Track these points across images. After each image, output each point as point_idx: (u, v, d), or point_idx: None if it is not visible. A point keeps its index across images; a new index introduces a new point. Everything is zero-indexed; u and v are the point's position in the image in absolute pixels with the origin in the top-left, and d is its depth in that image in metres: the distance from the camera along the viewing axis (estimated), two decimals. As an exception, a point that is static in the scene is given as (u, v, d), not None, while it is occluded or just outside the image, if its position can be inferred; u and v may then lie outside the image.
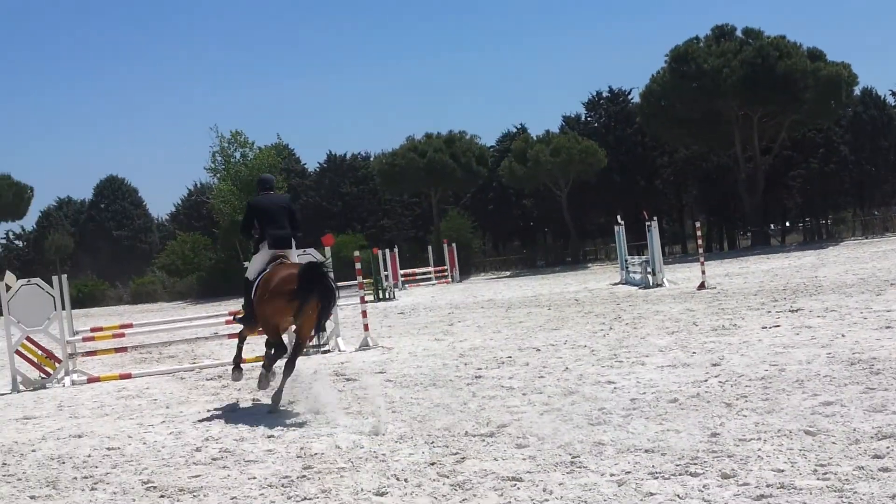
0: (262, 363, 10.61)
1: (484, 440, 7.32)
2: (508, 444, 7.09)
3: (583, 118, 65.21)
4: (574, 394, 9.02)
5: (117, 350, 16.25)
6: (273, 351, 10.25)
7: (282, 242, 10.52)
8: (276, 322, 10.11)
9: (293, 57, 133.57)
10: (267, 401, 10.15)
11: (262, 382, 10.34)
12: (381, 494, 6.00)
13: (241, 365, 11.21)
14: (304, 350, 11.52)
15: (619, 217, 29.96)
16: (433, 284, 43.22)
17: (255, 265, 10.67)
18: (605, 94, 65.27)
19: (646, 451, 6.49)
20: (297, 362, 10.03)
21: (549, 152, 53.47)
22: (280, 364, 10.14)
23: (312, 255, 15.51)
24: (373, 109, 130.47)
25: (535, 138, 57.65)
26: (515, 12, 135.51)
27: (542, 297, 25.35)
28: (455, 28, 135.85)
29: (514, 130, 66.60)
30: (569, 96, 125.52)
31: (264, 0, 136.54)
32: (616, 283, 28.60)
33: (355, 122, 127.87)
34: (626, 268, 28.62)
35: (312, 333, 10.09)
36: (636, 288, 24.99)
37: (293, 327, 10.40)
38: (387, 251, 38.08)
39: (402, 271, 41.07)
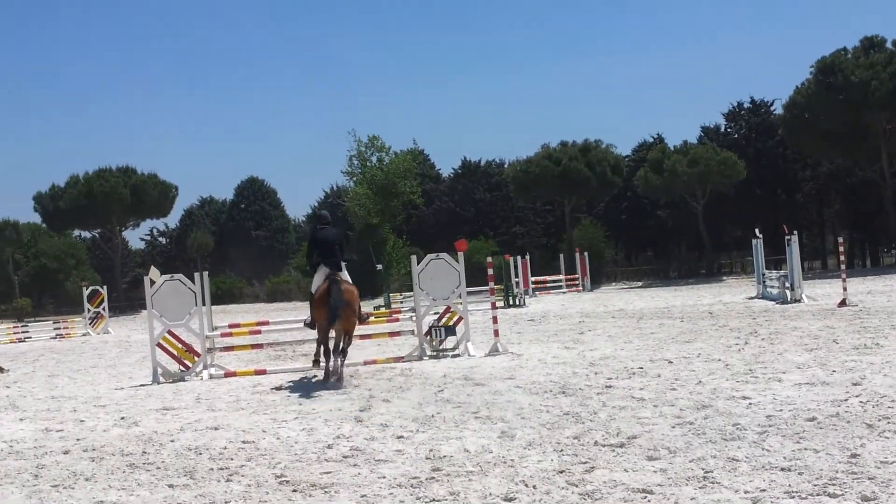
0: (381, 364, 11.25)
1: (614, 450, 7.24)
2: (639, 456, 6.99)
3: (722, 129, 63.90)
4: (707, 408, 8.84)
5: (253, 346, 16.67)
6: (322, 349, 13.42)
7: (334, 268, 13.61)
8: (322, 323, 13.19)
9: (431, 63, 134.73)
10: (389, 398, 10.25)
11: (326, 376, 12.84)
12: (510, 500, 5.99)
13: (320, 361, 13.51)
14: (349, 343, 13.41)
15: (756, 230, 29.27)
16: (564, 293, 43.00)
17: (315, 283, 13.83)
18: (746, 105, 63.83)
19: (782, 469, 6.32)
20: (348, 350, 13.35)
21: (687, 163, 52.56)
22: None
23: (445, 259, 15.62)
24: (508, 116, 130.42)
25: (672, 148, 56.78)
26: (655, 20, 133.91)
27: (675, 309, 24.94)
28: (594, 34, 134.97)
29: (651, 140, 65.74)
30: (708, 107, 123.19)
31: (404, 6, 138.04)
32: (752, 298, 27.94)
33: (491, 128, 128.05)
34: (763, 282, 27.95)
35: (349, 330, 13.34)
36: (773, 303, 24.37)
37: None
38: (518, 258, 38.08)
39: (532, 278, 41.00)
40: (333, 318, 12.86)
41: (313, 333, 13.56)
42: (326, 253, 13.70)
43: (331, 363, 12.81)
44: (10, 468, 8.18)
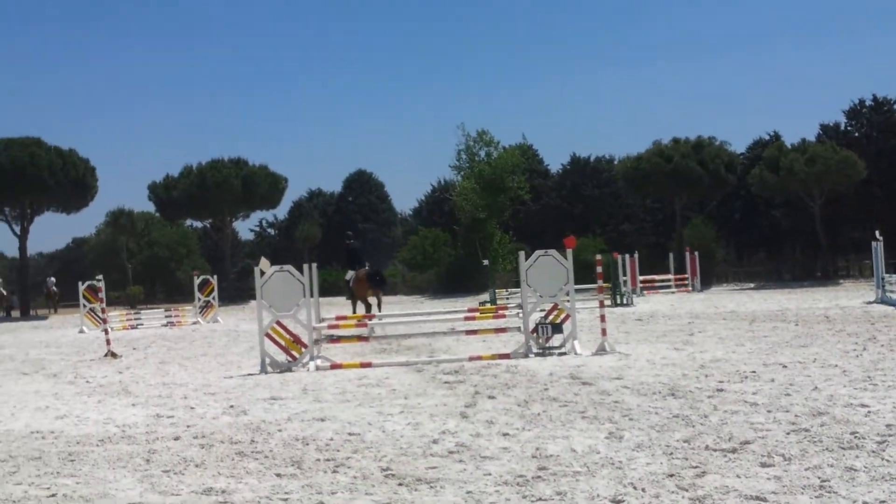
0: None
1: (726, 455, 7.03)
2: (752, 462, 6.78)
3: (842, 127, 62.10)
4: (823, 415, 8.54)
5: (359, 339, 16.76)
6: (363, 306, 23.86)
7: (360, 266, 24.06)
8: (362, 293, 23.42)
9: (541, 57, 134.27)
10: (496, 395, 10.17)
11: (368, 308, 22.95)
12: (617, 502, 5.85)
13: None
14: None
15: (877, 233, 28.35)
16: (672, 292, 42.34)
17: (348, 275, 24.63)
18: (868, 103, 61.89)
19: (904, 481, 6.05)
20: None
21: (804, 161, 51.15)
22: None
23: (553, 255, 15.47)
24: (620, 112, 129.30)
25: (789, 146, 55.34)
26: (773, 16, 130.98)
27: (789, 312, 24.31)
28: (709, 31, 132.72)
29: (767, 138, 64.21)
30: (827, 104, 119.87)
31: (516, 2, 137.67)
32: (870, 302, 27.06)
33: (601, 124, 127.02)
34: (883, 286, 27.03)
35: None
36: (893, 308, 23.57)
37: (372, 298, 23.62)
38: (626, 256, 37.61)
39: (640, 277, 40.44)
40: (377, 286, 23.73)
41: (420, 328, 13.65)
42: (354, 258, 24.83)
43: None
44: (122, 452, 8.35)
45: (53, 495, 6.81)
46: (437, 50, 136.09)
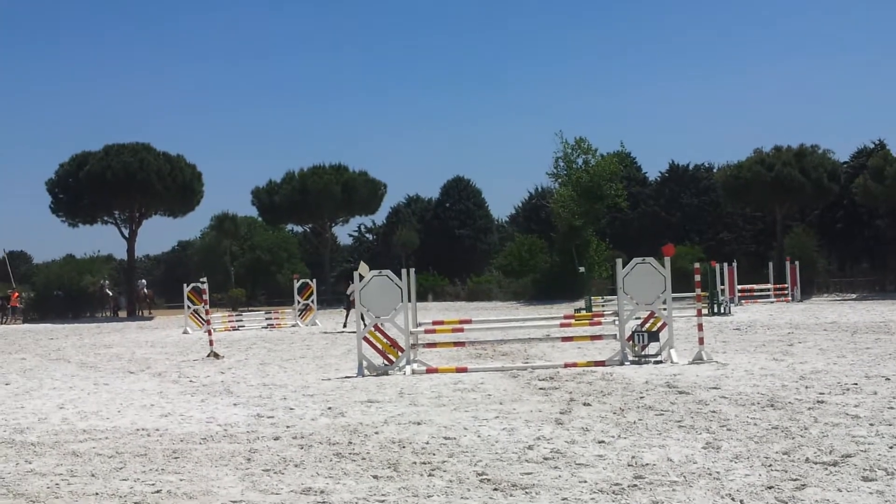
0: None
1: (826, 469, 6.93)
2: (853, 476, 6.66)
3: (951, 135, 60.24)
4: (929, 430, 8.34)
5: (455, 344, 16.86)
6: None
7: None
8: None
9: (639, 64, 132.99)
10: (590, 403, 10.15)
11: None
12: (715, 513, 5.82)
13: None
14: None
15: None
16: (771, 302, 41.52)
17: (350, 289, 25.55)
18: (980, 109, 59.94)
19: None
20: None
21: (911, 170, 49.70)
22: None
23: (651, 263, 15.36)
24: (720, 119, 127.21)
25: (895, 155, 53.84)
26: (877, 20, 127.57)
27: (893, 324, 23.67)
28: (811, 35, 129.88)
29: (872, 146, 62.60)
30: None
31: (612, 6, 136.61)
32: (979, 315, 26.23)
33: (701, 131, 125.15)
34: None
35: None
36: None
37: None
38: (724, 265, 37.06)
39: (739, 286, 39.78)
40: None
41: (515, 334, 13.67)
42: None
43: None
44: (224, 451, 8.57)
45: (158, 491, 7.02)
46: (535, 56, 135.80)
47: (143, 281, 57.52)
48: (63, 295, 51.45)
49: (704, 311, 22.91)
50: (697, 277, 16.40)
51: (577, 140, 56.36)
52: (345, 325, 31.55)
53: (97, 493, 7.02)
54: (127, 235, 57.52)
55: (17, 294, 51.45)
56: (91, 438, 9.62)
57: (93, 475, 7.71)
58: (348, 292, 31.18)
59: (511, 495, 6.48)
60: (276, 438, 9.13)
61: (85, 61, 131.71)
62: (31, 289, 54.30)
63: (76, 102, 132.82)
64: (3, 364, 20.26)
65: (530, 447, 8.13)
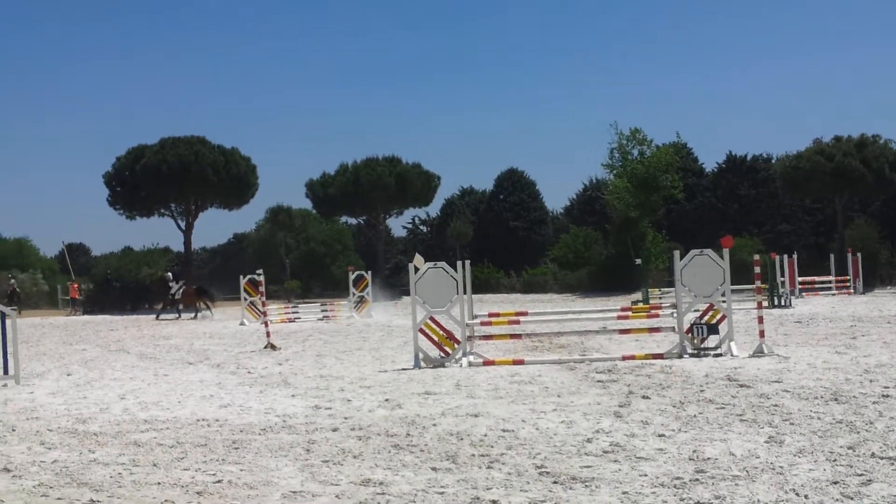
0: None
1: (892, 464, 6.79)
2: (922, 472, 6.53)
3: None
4: None
5: (511, 336, 16.80)
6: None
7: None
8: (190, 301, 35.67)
9: (694, 53, 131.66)
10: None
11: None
12: (780, 508, 5.73)
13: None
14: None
15: None
16: (833, 294, 40.92)
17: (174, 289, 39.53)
18: None
19: None
20: None
21: (974, 160, 48.77)
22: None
23: (709, 255, 15.18)
24: (778, 109, 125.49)
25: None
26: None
27: (958, 317, 23.21)
28: (873, 23, 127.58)
29: (935, 135, 61.56)
30: None
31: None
32: None
33: (758, 122, 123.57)
34: None
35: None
36: None
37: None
38: (784, 257, 36.59)
39: (799, 279, 39.25)
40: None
41: (571, 327, 13.55)
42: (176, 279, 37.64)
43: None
44: (283, 441, 8.61)
45: (219, 481, 7.07)
46: (587, 47, 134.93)
47: (169, 274, 57.12)
48: (121, 287, 52.14)
49: (764, 303, 22.70)
50: (757, 269, 16.20)
51: (633, 131, 56.03)
52: (157, 317, 38.47)
53: (159, 483, 7.09)
54: (183, 228, 58.23)
55: (76, 285, 52.27)
56: (152, 428, 9.72)
57: (155, 465, 7.78)
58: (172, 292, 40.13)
59: (571, 488, 6.43)
60: (335, 430, 9.16)
61: (141, 54, 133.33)
62: (90, 281, 55.12)
63: (133, 96, 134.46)
64: (65, 355, 20.58)
65: (589, 440, 8.07)
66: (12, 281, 50.20)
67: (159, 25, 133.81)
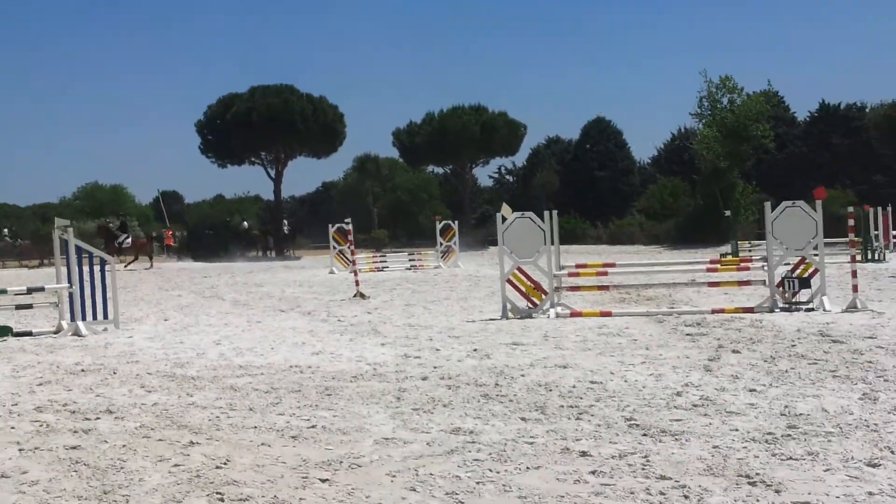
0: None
1: None
2: None
3: None
4: None
5: (599, 288, 16.78)
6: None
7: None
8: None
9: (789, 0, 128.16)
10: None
11: None
12: (874, 465, 5.67)
13: None
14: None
15: None
16: (929, 248, 39.85)
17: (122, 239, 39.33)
18: None
19: None
20: None
21: None
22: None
23: (801, 207, 14.92)
24: (874, 56, 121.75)
25: None
26: None
27: None
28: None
29: None
30: None
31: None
32: None
33: (852, 69, 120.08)
34: None
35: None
36: None
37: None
38: (879, 209, 35.72)
39: (894, 232, 38.28)
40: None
41: (659, 279, 13.45)
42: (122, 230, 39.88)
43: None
44: (374, 389, 8.78)
45: (313, 426, 7.25)
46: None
47: (245, 223, 57.69)
48: (214, 234, 53.13)
49: (858, 257, 22.29)
50: (851, 222, 15.88)
51: (723, 79, 54.87)
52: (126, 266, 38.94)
53: (255, 427, 7.30)
54: (273, 176, 58.98)
55: (171, 232, 53.43)
56: (247, 374, 9.98)
57: (250, 409, 8.01)
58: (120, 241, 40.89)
59: (660, 441, 6.46)
60: (424, 378, 9.30)
61: (232, 5, 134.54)
62: (184, 228, 56.26)
63: (224, 44, 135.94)
64: (161, 301, 21.14)
65: (679, 394, 8.07)
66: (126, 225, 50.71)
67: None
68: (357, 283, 20.74)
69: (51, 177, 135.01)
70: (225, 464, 6.24)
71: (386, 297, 20.15)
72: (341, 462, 6.20)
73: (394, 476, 5.84)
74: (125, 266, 38.56)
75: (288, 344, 12.46)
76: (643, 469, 5.79)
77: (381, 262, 34.59)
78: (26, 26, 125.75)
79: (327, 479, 5.83)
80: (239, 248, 51.96)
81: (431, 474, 5.84)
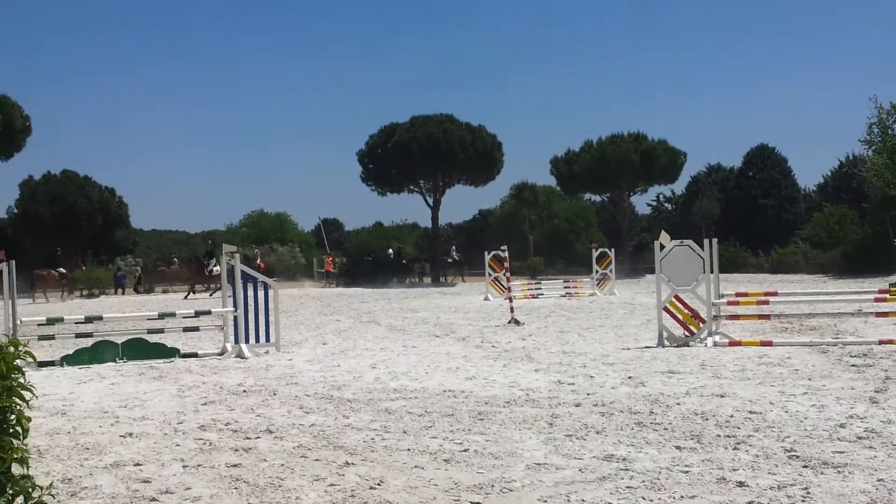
0: None
1: None
2: None
3: None
4: None
5: (759, 317, 16.34)
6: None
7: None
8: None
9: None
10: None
11: None
12: None
13: None
14: None
15: None
16: None
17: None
18: None
19: None
20: None
21: None
22: None
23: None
24: None
25: None
26: None
27: None
28: None
29: None
30: None
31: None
32: None
33: None
34: None
35: None
36: None
37: None
38: None
39: None
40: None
41: (823, 308, 13.00)
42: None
43: None
44: (527, 415, 8.77)
45: (465, 450, 7.29)
46: (843, 14, 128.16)
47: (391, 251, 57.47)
48: (373, 260, 54.10)
49: None
50: None
51: (894, 105, 52.82)
52: (186, 297, 39.55)
53: (409, 449, 7.39)
54: (431, 204, 59.69)
55: (331, 259, 54.68)
56: (402, 397, 10.11)
57: (404, 432, 8.11)
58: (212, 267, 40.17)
59: (822, 473, 6.24)
60: (577, 405, 9.24)
61: (391, 39, 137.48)
62: (343, 254, 57.48)
63: (383, 74, 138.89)
64: (321, 325, 21.63)
65: (842, 425, 7.79)
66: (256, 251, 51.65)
67: (407, 15, 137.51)
68: (512, 309, 20.77)
69: (220, 203, 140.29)
70: (379, 484, 6.33)
71: (540, 324, 20.10)
72: (493, 486, 6.22)
73: (545, 501, 5.82)
74: (210, 294, 39.84)
75: (442, 369, 12.57)
76: (803, 501, 5.61)
77: (535, 289, 34.52)
78: (211, 59, 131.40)
79: (479, 503, 5.85)
80: (395, 274, 52.72)
81: (583, 500, 5.80)
